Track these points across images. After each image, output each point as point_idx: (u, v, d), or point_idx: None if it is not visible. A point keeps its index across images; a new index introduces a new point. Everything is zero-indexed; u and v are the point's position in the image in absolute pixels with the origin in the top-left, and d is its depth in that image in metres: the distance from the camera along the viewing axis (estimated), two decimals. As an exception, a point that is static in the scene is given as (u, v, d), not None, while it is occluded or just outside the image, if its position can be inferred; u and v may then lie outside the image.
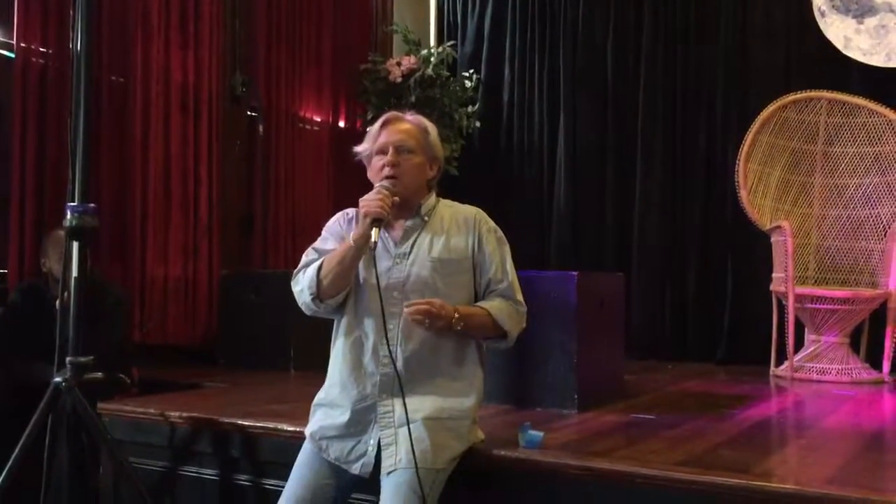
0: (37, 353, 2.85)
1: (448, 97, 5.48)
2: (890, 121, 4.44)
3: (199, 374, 3.96)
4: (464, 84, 5.64)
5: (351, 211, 2.33)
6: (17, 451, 2.25)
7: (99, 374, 2.36)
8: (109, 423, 2.79)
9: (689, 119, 5.28)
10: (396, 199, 2.17)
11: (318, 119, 5.39)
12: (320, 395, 2.26)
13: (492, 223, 2.34)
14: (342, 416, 2.17)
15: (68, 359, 2.31)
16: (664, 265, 5.28)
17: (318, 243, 2.30)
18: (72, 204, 2.35)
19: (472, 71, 5.81)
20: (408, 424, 2.05)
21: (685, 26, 5.31)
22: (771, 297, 4.39)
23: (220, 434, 2.72)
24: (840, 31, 4.79)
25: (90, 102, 2.42)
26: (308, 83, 5.27)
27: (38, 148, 3.83)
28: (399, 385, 2.08)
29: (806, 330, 4.33)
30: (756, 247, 4.70)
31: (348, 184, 4.95)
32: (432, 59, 5.43)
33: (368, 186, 2.31)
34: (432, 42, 6.10)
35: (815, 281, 4.51)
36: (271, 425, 2.63)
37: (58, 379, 2.29)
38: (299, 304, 2.26)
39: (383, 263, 2.17)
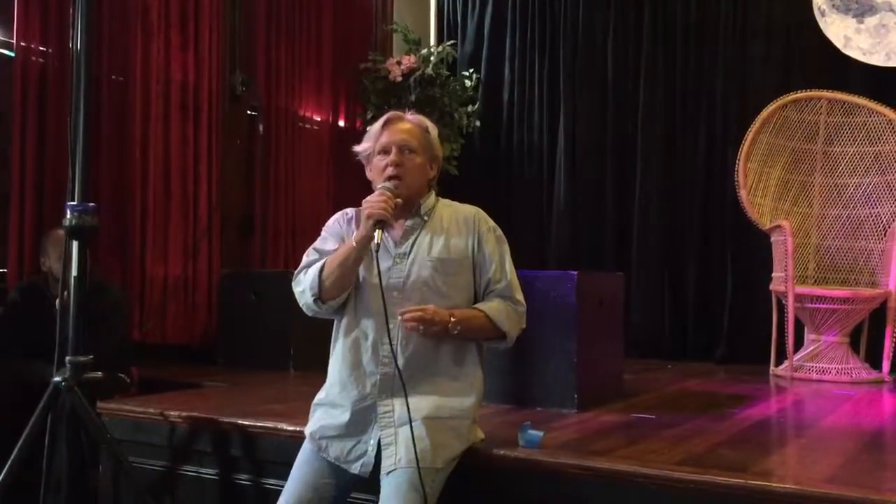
0: (36, 352, 2.85)
1: (448, 97, 5.48)
2: (890, 120, 4.44)
3: (199, 373, 3.96)
4: (464, 83, 5.64)
5: (350, 210, 2.33)
6: (16, 450, 2.26)
7: (98, 374, 2.37)
8: (109, 422, 2.78)
9: (689, 118, 5.28)
10: (399, 200, 2.17)
11: (318, 118, 5.39)
12: (320, 395, 2.26)
13: (491, 222, 2.34)
14: (342, 416, 2.17)
15: (68, 358, 2.32)
16: (664, 265, 5.28)
17: (318, 243, 2.30)
18: (71, 203, 2.35)
19: (472, 70, 5.81)
20: (409, 424, 2.05)
21: (685, 26, 5.31)
22: (771, 297, 4.39)
23: (220, 434, 2.72)
24: (840, 31, 4.79)
25: (90, 102, 2.43)
26: (308, 82, 5.27)
27: (38, 147, 3.83)
28: (401, 384, 2.07)
29: (806, 329, 4.33)
30: (756, 246, 4.70)
31: (348, 183, 4.96)
32: (432, 58, 5.43)
33: (368, 186, 2.31)
34: (432, 41, 6.10)
35: (815, 280, 4.51)
36: (271, 425, 2.63)
37: (57, 378, 2.30)
38: (300, 305, 2.26)
39: (383, 263, 2.17)
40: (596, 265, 5.26)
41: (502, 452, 2.29)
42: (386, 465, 2.08)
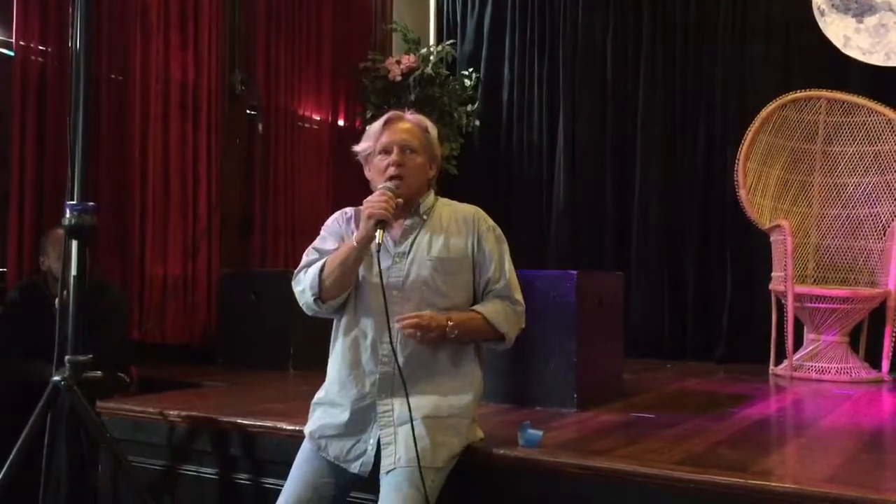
0: (36, 351, 2.85)
1: (447, 96, 5.48)
2: (889, 120, 4.44)
3: (198, 373, 3.96)
4: (463, 83, 5.64)
5: (349, 210, 2.33)
6: (16, 449, 2.25)
7: (98, 373, 2.36)
8: (108, 421, 2.78)
9: (689, 118, 5.28)
10: (400, 200, 2.17)
11: (318, 118, 5.39)
12: (319, 394, 2.26)
13: (490, 221, 2.34)
14: (342, 415, 2.17)
15: (67, 357, 2.32)
16: (663, 264, 5.28)
17: (317, 243, 2.30)
18: (71, 202, 2.35)
19: (471, 70, 5.81)
20: (410, 423, 2.05)
21: (685, 25, 5.30)
22: (770, 297, 4.39)
23: (220, 433, 2.72)
24: (839, 30, 4.79)
25: (89, 101, 2.42)
26: (307, 82, 5.26)
27: (38, 146, 3.83)
28: (402, 382, 2.08)
29: (805, 329, 4.33)
30: (755, 246, 4.70)
31: (348, 183, 4.95)
32: (432, 57, 5.43)
33: (367, 185, 2.31)
34: (432, 41, 6.10)
35: (815, 280, 4.51)
36: (270, 424, 2.63)
37: (57, 377, 2.29)
38: (300, 304, 2.26)
39: (382, 262, 2.17)
40: (595, 265, 5.26)
41: (502, 452, 2.29)
42: (385, 464, 2.08)
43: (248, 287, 4.27)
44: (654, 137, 5.33)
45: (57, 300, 2.41)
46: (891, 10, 4.70)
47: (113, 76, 4.22)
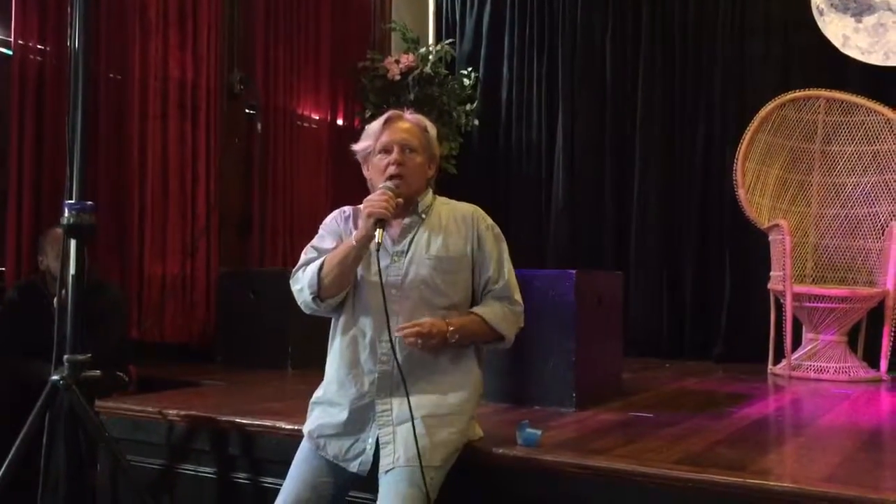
0: (34, 351, 2.85)
1: (447, 95, 5.47)
2: (888, 119, 4.44)
3: (197, 372, 3.96)
4: (462, 82, 5.64)
5: (348, 209, 2.33)
6: (14, 448, 2.25)
7: (97, 372, 2.36)
8: (107, 421, 2.79)
9: (688, 117, 5.28)
10: (400, 200, 2.17)
11: (317, 117, 5.39)
12: (318, 393, 2.26)
13: (489, 220, 2.34)
14: (340, 414, 2.17)
15: (66, 357, 2.31)
16: (662, 263, 5.28)
17: (316, 241, 2.30)
18: (69, 201, 2.35)
19: (470, 69, 5.81)
20: (410, 422, 2.05)
21: (683, 24, 5.31)
22: (769, 296, 4.40)
23: (218, 432, 2.72)
24: (838, 30, 4.79)
25: (88, 100, 2.42)
26: (306, 81, 5.26)
27: (36, 145, 3.83)
28: (402, 380, 2.08)
29: (804, 328, 4.34)
30: (754, 245, 4.70)
31: (347, 182, 4.96)
32: (431, 57, 5.43)
33: (366, 184, 2.31)
34: (431, 40, 6.09)
35: (813, 279, 4.52)
36: (269, 423, 2.63)
37: (55, 377, 2.29)
38: (299, 303, 2.26)
39: (381, 261, 2.16)
40: (594, 264, 5.26)
41: (501, 451, 2.29)
42: (384, 463, 2.08)
43: (247, 286, 4.27)
44: (653, 137, 5.34)
45: (55, 299, 2.41)
46: (889, 9, 4.71)
47: (111, 75, 4.22)
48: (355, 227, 2.22)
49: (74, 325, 2.33)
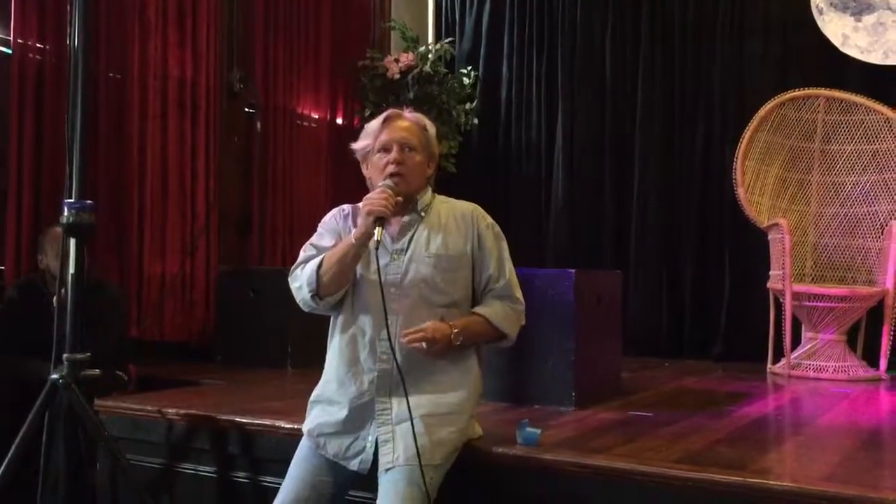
0: (34, 350, 2.85)
1: (446, 94, 5.48)
2: (887, 118, 4.44)
3: (197, 371, 3.96)
4: (462, 81, 5.64)
5: (347, 207, 2.33)
6: (14, 447, 2.25)
7: (96, 371, 2.36)
8: (107, 420, 2.79)
9: (687, 117, 5.28)
10: (400, 198, 2.17)
11: (316, 116, 5.39)
12: (317, 392, 2.26)
13: (489, 219, 2.34)
14: (340, 413, 2.17)
15: (65, 355, 2.31)
16: (662, 263, 5.28)
17: (314, 239, 2.30)
18: (69, 200, 2.35)
19: (470, 68, 5.81)
20: (410, 420, 2.05)
21: (683, 24, 5.30)
22: (768, 295, 4.40)
23: (218, 431, 2.72)
24: (838, 29, 4.79)
25: (87, 99, 2.42)
26: (306, 80, 5.26)
27: (36, 144, 3.82)
28: (401, 379, 2.08)
29: (803, 327, 4.34)
30: (753, 244, 4.70)
31: (346, 181, 4.96)
32: (430, 56, 5.43)
33: (366, 183, 2.31)
34: (430, 39, 6.09)
35: (813, 278, 4.52)
36: (269, 422, 2.63)
37: (55, 376, 2.29)
38: (297, 301, 2.25)
39: (381, 259, 2.16)
40: (594, 263, 5.26)
41: (500, 450, 2.29)
42: (383, 462, 2.08)
43: (247, 285, 4.27)
44: (653, 136, 5.34)
45: (55, 298, 2.41)
46: (889, 8, 4.71)
47: (111, 74, 4.21)
48: (354, 225, 2.22)
49: (74, 323, 2.33)
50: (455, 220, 2.29)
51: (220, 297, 4.44)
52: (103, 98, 4.13)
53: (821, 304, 4.15)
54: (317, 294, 2.18)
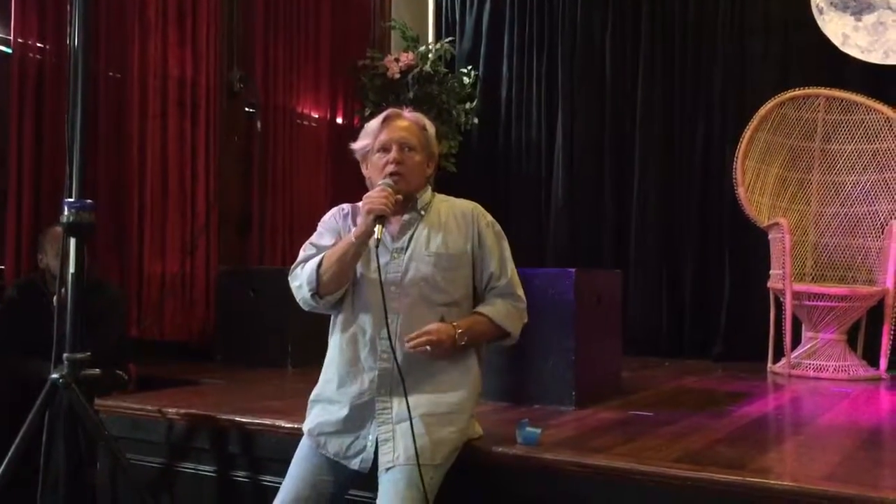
0: (34, 349, 2.85)
1: (446, 94, 5.48)
2: (887, 118, 4.44)
3: (197, 370, 3.96)
4: (462, 80, 5.64)
5: (346, 206, 2.33)
6: (14, 447, 2.25)
7: (96, 371, 2.36)
8: (107, 419, 2.79)
9: (687, 116, 5.28)
10: (400, 197, 2.17)
11: (316, 115, 5.39)
12: (317, 391, 2.26)
13: (490, 217, 2.34)
14: (340, 412, 2.17)
15: (65, 355, 2.31)
16: (661, 262, 5.28)
17: (314, 238, 2.30)
18: (69, 200, 2.35)
19: (470, 67, 5.81)
20: (409, 420, 2.05)
21: (683, 23, 5.30)
22: (768, 294, 4.40)
23: (218, 430, 2.72)
24: (838, 28, 4.79)
25: (87, 98, 2.42)
26: (306, 79, 5.26)
27: (35, 144, 3.83)
28: (401, 379, 2.08)
29: (803, 327, 4.34)
30: (754, 244, 4.70)
31: (346, 180, 4.95)
32: (430, 55, 5.43)
33: (365, 182, 2.31)
34: (430, 38, 6.09)
35: (813, 278, 4.52)
36: (269, 422, 2.63)
37: (55, 375, 2.29)
38: (297, 300, 2.25)
39: (381, 258, 2.16)
40: (594, 263, 5.27)
41: (500, 449, 2.29)
42: (383, 461, 2.08)
43: (247, 284, 4.27)
44: (653, 135, 5.34)
45: (55, 298, 2.41)
46: (889, 8, 4.71)
47: (111, 73, 4.21)
48: (354, 224, 2.22)
49: (74, 323, 2.33)
50: (455, 219, 2.29)
51: (220, 296, 4.44)
52: (103, 98, 4.13)
53: (821, 304, 4.15)
54: (317, 293, 2.18)
